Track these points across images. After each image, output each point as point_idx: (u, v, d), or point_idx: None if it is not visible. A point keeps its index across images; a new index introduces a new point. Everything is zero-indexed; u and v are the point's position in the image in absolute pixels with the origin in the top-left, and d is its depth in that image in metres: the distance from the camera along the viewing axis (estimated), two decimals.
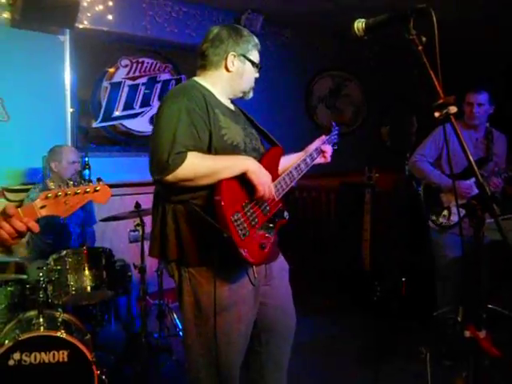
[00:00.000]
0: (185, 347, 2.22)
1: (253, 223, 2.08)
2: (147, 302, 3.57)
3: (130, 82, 5.18)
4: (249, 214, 2.08)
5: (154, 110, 5.32)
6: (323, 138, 2.62)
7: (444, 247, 3.79)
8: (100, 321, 3.36)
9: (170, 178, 1.94)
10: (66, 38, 4.77)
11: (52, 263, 3.19)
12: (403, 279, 4.36)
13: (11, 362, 2.72)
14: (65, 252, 3.22)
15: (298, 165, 2.42)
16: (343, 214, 5.83)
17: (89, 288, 3.16)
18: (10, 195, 4.37)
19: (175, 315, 3.88)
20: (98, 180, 1.75)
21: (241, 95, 2.34)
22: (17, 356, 2.73)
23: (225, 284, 2.09)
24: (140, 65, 5.24)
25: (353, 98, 7.35)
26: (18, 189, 4.39)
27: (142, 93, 5.26)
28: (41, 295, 3.00)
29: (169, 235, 2.08)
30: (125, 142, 5.22)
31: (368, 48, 7.19)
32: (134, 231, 3.95)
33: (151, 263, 3.81)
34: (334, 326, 4.50)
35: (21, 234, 1.62)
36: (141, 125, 5.27)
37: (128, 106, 5.17)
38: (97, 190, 1.71)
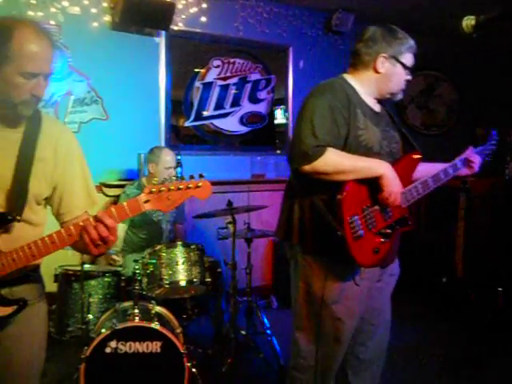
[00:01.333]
0: (293, 329, 2.39)
1: (370, 227, 2.14)
2: (236, 299, 3.61)
3: (221, 82, 5.27)
4: (368, 217, 2.13)
5: (243, 110, 5.40)
6: (471, 149, 2.57)
7: None
8: (190, 315, 3.43)
9: (307, 168, 2.05)
10: (161, 40, 4.94)
11: (147, 257, 3.29)
12: (500, 289, 4.14)
13: (108, 350, 2.83)
14: (159, 246, 3.31)
15: (437, 174, 2.39)
16: (435, 218, 5.62)
17: (182, 282, 3.23)
18: (107, 190, 4.58)
19: (263, 313, 3.89)
20: (200, 176, 1.77)
21: (388, 96, 2.34)
22: (113, 344, 2.84)
23: (335, 279, 2.19)
24: (231, 65, 5.32)
25: (446, 99, 7.08)
26: (114, 184, 4.58)
27: (232, 93, 5.34)
28: (136, 287, 3.11)
29: (294, 222, 2.22)
30: (214, 140, 5.33)
31: (463, 47, 6.91)
32: (222, 228, 4.01)
33: (240, 261, 3.85)
34: (421, 332, 4.36)
35: (104, 241, 1.66)
36: (231, 124, 5.35)
37: (219, 105, 5.27)
38: (199, 186, 1.73)
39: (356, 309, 2.26)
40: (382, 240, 2.17)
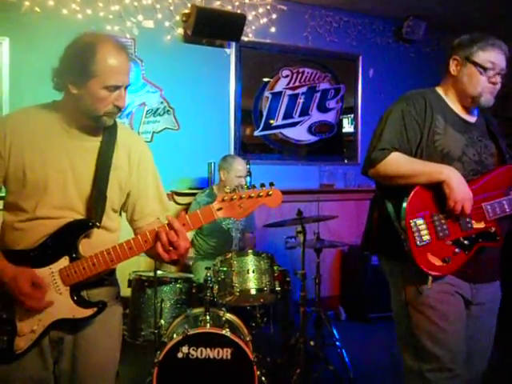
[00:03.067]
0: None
1: (440, 234, 2.08)
2: (305, 309, 3.59)
3: (290, 92, 5.29)
4: (437, 223, 2.08)
5: (312, 119, 5.40)
6: None
7: None
8: (259, 323, 3.44)
9: (371, 172, 2.12)
10: (231, 51, 5.02)
11: (218, 264, 3.34)
12: None
13: (180, 355, 2.88)
14: (230, 254, 3.35)
15: None
16: None
17: (252, 290, 3.25)
18: (178, 198, 4.68)
19: (333, 324, 3.85)
20: (271, 184, 1.78)
21: (469, 101, 2.24)
22: (185, 349, 2.89)
23: (412, 283, 2.14)
24: (300, 75, 5.33)
25: None
26: (185, 193, 4.68)
27: (301, 102, 5.34)
28: (207, 294, 3.15)
29: (373, 230, 2.27)
30: (283, 150, 5.34)
31: None
32: (291, 238, 4.00)
33: (308, 270, 3.83)
34: None
35: (175, 247, 1.69)
36: (299, 133, 5.36)
37: (287, 115, 5.29)
38: (269, 195, 1.75)
39: (454, 312, 2.14)
40: (457, 250, 2.08)
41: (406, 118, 2.12)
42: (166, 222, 1.72)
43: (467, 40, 2.20)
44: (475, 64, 2.16)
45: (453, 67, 2.22)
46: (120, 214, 1.98)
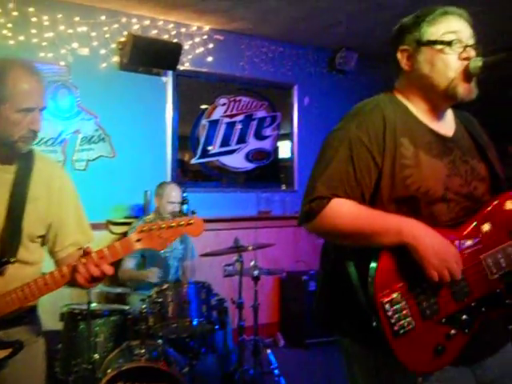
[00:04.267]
0: None
1: (427, 313, 1.44)
2: (243, 337, 3.58)
3: (228, 120, 5.34)
4: (420, 298, 1.44)
5: (249, 147, 5.47)
6: None
7: None
8: (197, 354, 3.39)
9: (308, 228, 1.54)
10: (168, 79, 5.03)
11: (154, 295, 3.29)
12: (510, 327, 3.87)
13: None
14: (167, 285, 3.31)
15: None
16: None
17: (189, 321, 3.22)
18: (113, 228, 4.59)
19: (270, 351, 3.85)
20: (192, 213, 1.79)
21: (442, 97, 1.59)
22: None
23: (392, 373, 1.50)
24: (237, 103, 5.40)
25: None
26: (121, 222, 4.60)
27: (238, 130, 5.40)
28: (143, 326, 3.10)
29: (329, 298, 1.64)
30: (220, 177, 5.36)
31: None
32: (229, 265, 4.00)
33: (247, 298, 3.83)
34: None
35: (96, 279, 1.67)
36: (237, 161, 5.41)
37: (225, 142, 5.33)
38: (190, 224, 1.71)
39: None
40: (452, 332, 1.46)
41: (354, 150, 1.50)
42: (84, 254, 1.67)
43: (409, 21, 1.62)
44: (432, 43, 1.55)
45: (404, 61, 1.61)
46: (42, 245, 1.92)
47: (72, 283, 1.72)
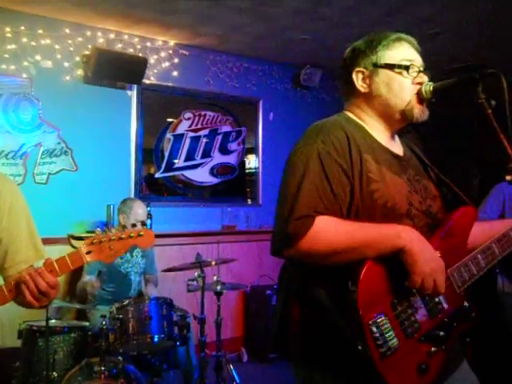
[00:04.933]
0: None
1: (409, 331, 1.41)
2: (205, 353, 3.57)
3: (192, 134, 5.35)
4: (403, 316, 1.42)
5: (214, 161, 5.48)
6: None
7: None
8: (158, 370, 3.37)
9: (291, 253, 1.42)
10: (133, 93, 5.01)
11: (115, 311, 3.25)
12: (467, 339, 3.92)
13: None
14: (127, 301, 3.28)
15: (507, 234, 1.69)
16: None
17: (150, 337, 3.20)
18: (75, 242, 4.50)
19: (232, 367, 3.84)
20: (143, 224, 1.78)
21: (398, 118, 1.64)
22: None
23: None
24: (202, 117, 5.42)
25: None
26: (83, 236, 4.52)
27: (203, 144, 5.41)
28: (103, 343, 3.06)
29: (291, 326, 1.54)
30: (185, 192, 5.36)
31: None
32: (192, 280, 3.99)
33: (209, 313, 3.83)
34: None
35: (44, 294, 1.63)
36: (201, 175, 5.40)
37: (189, 156, 5.33)
38: (141, 235, 1.72)
39: None
40: (433, 349, 1.44)
41: (325, 164, 1.46)
42: (33, 269, 1.64)
43: (364, 45, 1.66)
44: (390, 66, 1.61)
45: (359, 83, 1.64)
46: None
47: (18, 301, 1.69)
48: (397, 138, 1.74)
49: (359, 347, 1.33)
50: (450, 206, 1.68)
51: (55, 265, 1.65)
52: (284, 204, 1.45)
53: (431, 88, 1.60)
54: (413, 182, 1.61)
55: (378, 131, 1.64)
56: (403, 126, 1.68)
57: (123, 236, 1.69)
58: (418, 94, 1.61)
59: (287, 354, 1.58)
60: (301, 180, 1.44)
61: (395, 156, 1.63)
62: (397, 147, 1.69)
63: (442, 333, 1.46)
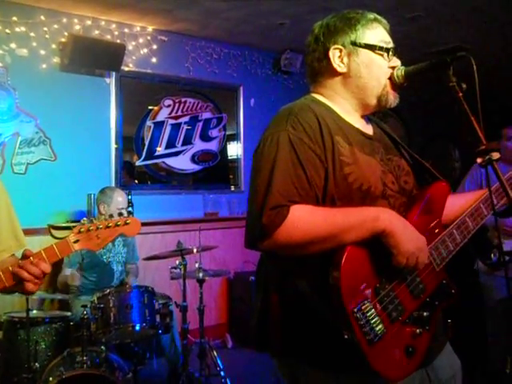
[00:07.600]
0: None
1: (394, 315, 1.40)
2: (189, 340, 3.58)
3: (173, 121, 5.31)
4: (386, 300, 1.40)
5: (195, 148, 5.45)
6: None
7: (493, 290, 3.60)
8: (141, 359, 3.38)
9: (266, 244, 1.37)
10: (111, 80, 4.95)
11: (96, 301, 3.24)
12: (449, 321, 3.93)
13: None
14: (108, 290, 3.27)
15: (476, 208, 1.66)
16: None
17: (132, 326, 3.19)
18: (55, 232, 4.47)
19: (216, 353, 3.86)
20: (129, 213, 1.78)
21: (375, 102, 1.60)
22: None
23: None
24: (182, 104, 5.38)
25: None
26: (63, 226, 4.48)
27: (183, 131, 5.38)
28: (85, 333, 3.05)
29: (272, 321, 1.50)
30: (166, 179, 5.33)
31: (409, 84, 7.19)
32: (175, 268, 3.99)
33: (192, 300, 3.83)
34: None
35: (38, 277, 1.63)
36: (182, 163, 5.38)
37: (170, 144, 5.29)
38: (127, 223, 1.74)
39: None
40: (418, 331, 1.44)
41: (298, 151, 1.41)
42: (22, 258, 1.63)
43: (341, 22, 1.60)
44: (371, 47, 1.56)
45: (336, 61, 1.57)
46: None
47: (9, 290, 1.67)
48: (366, 118, 1.70)
49: (346, 336, 1.32)
50: (422, 183, 1.68)
51: (43, 254, 1.64)
52: (257, 194, 1.40)
53: (403, 72, 1.58)
54: (385, 161, 1.59)
55: (347, 112, 1.60)
56: (377, 109, 1.64)
57: (110, 224, 1.70)
58: (391, 78, 1.58)
59: (269, 350, 1.54)
60: (273, 169, 1.40)
61: (367, 137, 1.60)
62: (367, 127, 1.65)
63: (425, 313, 1.46)
